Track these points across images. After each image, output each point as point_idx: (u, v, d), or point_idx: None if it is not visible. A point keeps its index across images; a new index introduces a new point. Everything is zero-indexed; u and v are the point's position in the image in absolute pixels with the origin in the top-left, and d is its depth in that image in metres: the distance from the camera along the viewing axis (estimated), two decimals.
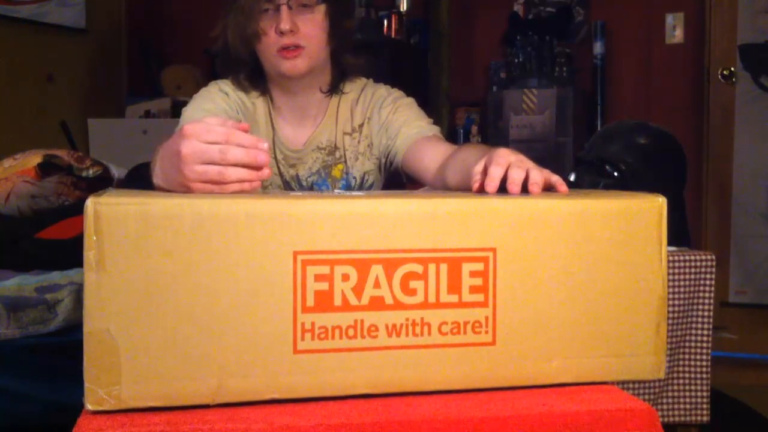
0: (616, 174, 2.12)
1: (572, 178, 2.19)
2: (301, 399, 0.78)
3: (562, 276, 0.82)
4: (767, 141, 3.19)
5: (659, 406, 1.92)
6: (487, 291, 0.80)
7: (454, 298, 0.79)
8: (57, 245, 1.75)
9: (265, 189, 1.47)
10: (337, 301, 0.77)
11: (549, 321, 0.82)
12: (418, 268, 0.79)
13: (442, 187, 1.25)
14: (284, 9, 1.34)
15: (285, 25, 1.33)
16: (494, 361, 0.81)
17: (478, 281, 0.80)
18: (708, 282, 1.92)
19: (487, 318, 0.80)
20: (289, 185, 1.49)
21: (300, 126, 1.48)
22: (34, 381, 1.56)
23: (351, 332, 0.77)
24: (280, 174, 1.48)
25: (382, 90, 1.51)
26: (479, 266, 0.80)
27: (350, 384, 0.79)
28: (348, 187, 1.49)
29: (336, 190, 1.46)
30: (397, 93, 1.50)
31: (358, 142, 1.48)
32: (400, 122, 1.44)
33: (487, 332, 0.81)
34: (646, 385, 1.91)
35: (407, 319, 0.79)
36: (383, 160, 1.48)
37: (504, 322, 0.81)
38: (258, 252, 0.75)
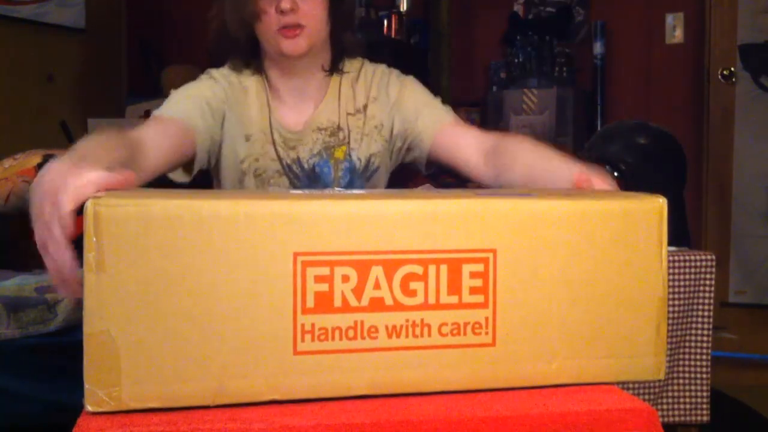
0: (616, 174, 2.12)
1: None
2: (302, 400, 0.78)
3: (562, 277, 0.82)
4: (767, 141, 3.19)
5: (659, 406, 1.92)
6: (487, 292, 0.80)
7: (454, 299, 0.79)
8: None
9: (259, 176, 1.45)
10: (337, 302, 0.77)
11: (549, 322, 0.82)
12: (418, 269, 0.79)
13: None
14: None
15: (285, 4, 1.31)
16: (494, 362, 0.81)
17: (478, 282, 0.80)
18: (708, 282, 1.92)
19: (487, 319, 0.80)
20: (289, 168, 1.45)
21: (299, 107, 1.45)
22: (34, 381, 1.56)
23: (351, 333, 0.77)
24: (279, 159, 1.44)
25: (383, 68, 1.50)
26: (479, 267, 0.80)
27: (350, 385, 0.78)
28: (352, 170, 1.47)
29: (337, 188, 1.45)
30: (397, 71, 1.50)
31: (363, 123, 1.46)
32: (415, 105, 1.44)
33: (487, 333, 0.81)
34: (646, 385, 1.91)
35: (407, 320, 0.79)
36: (400, 144, 1.47)
37: (504, 324, 0.81)
38: (258, 253, 0.75)
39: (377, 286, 0.77)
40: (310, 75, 1.44)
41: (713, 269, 1.93)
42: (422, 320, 0.79)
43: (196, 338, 0.74)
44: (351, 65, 1.49)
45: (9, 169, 1.91)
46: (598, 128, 3.33)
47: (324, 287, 0.76)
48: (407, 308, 0.78)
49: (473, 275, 0.80)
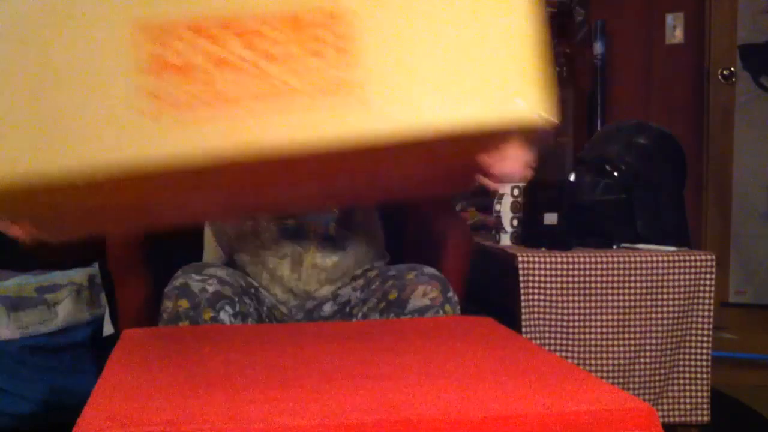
0: (616, 174, 2.12)
1: (572, 178, 2.19)
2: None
3: (423, 26, 0.79)
4: (767, 141, 3.19)
5: (659, 406, 1.92)
6: (343, 47, 0.77)
7: (311, 54, 0.77)
8: (57, 245, 1.76)
9: (259, 237, 1.45)
10: (182, 63, 0.75)
11: (414, 68, 0.79)
12: (266, 28, 0.76)
13: None
14: None
15: None
16: (363, 115, 0.77)
17: (333, 36, 0.77)
18: (708, 282, 1.92)
19: (351, 72, 0.77)
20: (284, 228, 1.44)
21: None
22: (34, 381, 1.56)
23: (203, 95, 0.75)
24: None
25: None
26: (337, 24, 0.77)
27: (211, 146, 0.75)
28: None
29: None
30: None
31: None
32: None
33: (353, 86, 0.77)
34: (646, 385, 1.91)
35: (261, 80, 0.76)
36: None
37: (370, 75, 0.77)
38: (96, 22, 0.76)
39: (222, 45, 0.75)
40: None
41: (713, 269, 1.93)
42: (280, 77, 0.76)
43: (44, 109, 0.75)
44: None
45: None
46: (598, 128, 3.33)
47: (164, 50, 0.75)
48: (258, 65, 0.76)
49: (327, 30, 0.77)
